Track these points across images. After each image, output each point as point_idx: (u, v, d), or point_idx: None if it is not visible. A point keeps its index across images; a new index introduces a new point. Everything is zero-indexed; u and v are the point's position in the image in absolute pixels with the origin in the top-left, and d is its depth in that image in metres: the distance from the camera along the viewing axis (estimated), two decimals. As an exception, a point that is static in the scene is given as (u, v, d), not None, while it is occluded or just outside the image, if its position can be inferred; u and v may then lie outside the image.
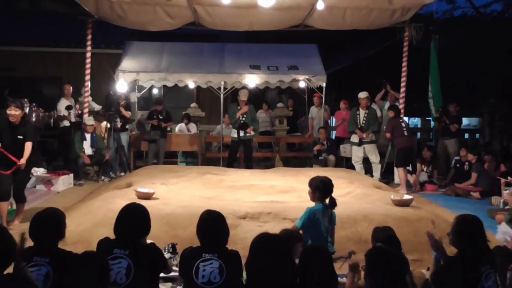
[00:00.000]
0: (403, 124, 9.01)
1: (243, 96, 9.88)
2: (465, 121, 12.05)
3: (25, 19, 14.65)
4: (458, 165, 9.42)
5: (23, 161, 5.82)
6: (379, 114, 10.00)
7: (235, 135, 9.77)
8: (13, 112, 5.74)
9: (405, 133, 8.90)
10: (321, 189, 4.25)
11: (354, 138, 9.54)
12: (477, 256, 3.32)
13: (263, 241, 2.66)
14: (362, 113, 9.51)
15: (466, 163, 9.21)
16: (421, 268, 4.53)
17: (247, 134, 9.73)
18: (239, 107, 9.80)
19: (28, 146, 5.90)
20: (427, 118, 14.67)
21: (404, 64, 9.94)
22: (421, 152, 9.92)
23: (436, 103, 10.54)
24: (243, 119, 9.71)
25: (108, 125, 10.03)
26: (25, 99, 10.70)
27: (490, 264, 3.32)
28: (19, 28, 14.23)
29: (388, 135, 9.15)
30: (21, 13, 15.30)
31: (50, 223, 3.28)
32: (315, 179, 4.34)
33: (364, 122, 9.44)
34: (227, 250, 3.34)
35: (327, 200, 4.24)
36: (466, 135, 14.65)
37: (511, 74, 15.81)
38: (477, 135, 14.93)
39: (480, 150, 10.10)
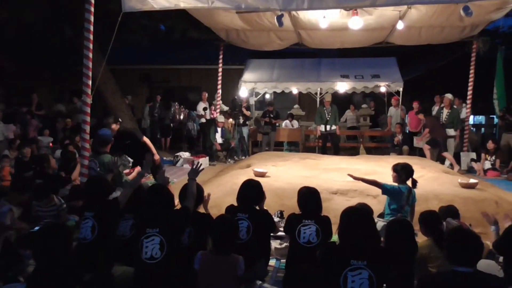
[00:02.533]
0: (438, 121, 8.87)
1: (327, 97, 9.82)
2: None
3: (177, 45, 15.51)
4: (519, 156, 8.46)
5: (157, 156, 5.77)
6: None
7: (322, 129, 9.62)
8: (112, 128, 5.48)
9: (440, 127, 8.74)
10: (404, 172, 4.02)
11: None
12: None
13: (352, 212, 2.57)
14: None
15: (527, 154, 8.25)
16: (485, 240, 4.12)
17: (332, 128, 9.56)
18: (324, 108, 9.60)
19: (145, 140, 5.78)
20: (490, 116, 13.39)
21: (472, 71, 9.09)
22: (486, 144, 9.04)
23: (500, 103, 9.58)
24: (329, 116, 9.50)
25: (234, 121, 10.34)
26: (176, 103, 11.41)
27: None
28: (172, 52, 15.11)
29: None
30: (174, 41, 16.24)
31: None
32: (399, 165, 4.11)
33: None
34: (322, 216, 3.29)
35: (408, 182, 3.99)
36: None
37: None
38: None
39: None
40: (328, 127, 9.54)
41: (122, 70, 13.66)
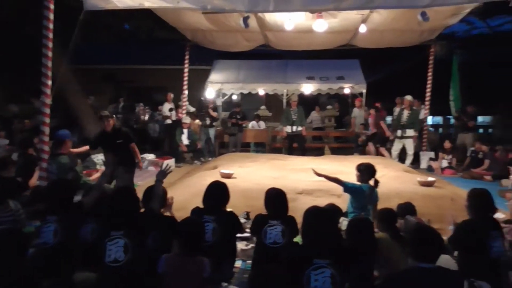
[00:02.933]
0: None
1: (293, 98, 9.92)
2: (480, 118, 11.36)
3: (142, 45, 15.25)
4: (473, 154, 8.89)
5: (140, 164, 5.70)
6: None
7: (289, 130, 9.71)
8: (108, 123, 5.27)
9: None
10: (367, 172, 4.11)
11: (398, 133, 9.16)
12: (486, 222, 3.14)
13: (314, 212, 2.61)
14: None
15: (480, 153, 8.69)
16: (442, 236, 4.30)
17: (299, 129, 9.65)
18: (290, 109, 9.71)
19: (134, 147, 5.58)
20: (447, 116, 13.99)
21: (430, 74, 9.46)
22: (443, 143, 9.45)
23: (455, 105, 10.04)
24: (295, 117, 9.60)
25: (200, 123, 10.26)
26: (141, 103, 11.20)
27: (498, 229, 3.14)
28: (138, 51, 14.83)
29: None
30: (140, 41, 15.97)
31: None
32: (362, 165, 4.20)
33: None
34: (287, 217, 3.31)
35: (370, 182, 4.10)
36: (480, 130, 13.87)
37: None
38: (489, 130, 14.03)
39: (492, 142, 9.47)
40: (294, 128, 9.59)
41: (85, 70, 13.26)
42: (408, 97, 9.18)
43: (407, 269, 2.63)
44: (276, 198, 3.35)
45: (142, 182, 6.85)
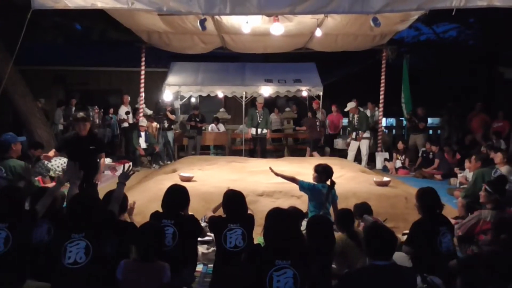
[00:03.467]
0: (317, 123, 10.23)
1: (259, 100, 9.93)
2: (429, 120, 11.92)
3: (95, 47, 14.78)
4: (424, 155, 9.31)
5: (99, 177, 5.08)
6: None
7: (254, 133, 9.73)
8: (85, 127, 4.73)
9: (318, 128, 10.14)
10: (324, 173, 4.21)
11: (353, 135, 9.55)
12: (435, 219, 3.32)
13: (276, 213, 2.62)
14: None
15: (430, 153, 9.12)
16: (397, 233, 4.47)
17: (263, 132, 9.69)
18: (256, 111, 9.75)
19: (103, 158, 5.11)
20: (400, 118, 14.55)
21: (383, 77, 9.84)
22: (396, 144, 9.86)
23: (407, 107, 10.47)
24: (260, 119, 9.66)
25: (158, 125, 10.08)
26: (96, 106, 10.83)
27: (446, 225, 3.32)
28: (91, 53, 14.36)
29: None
30: (92, 42, 15.46)
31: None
32: (320, 166, 4.29)
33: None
34: (246, 217, 3.31)
35: (327, 182, 4.20)
36: (430, 131, 14.55)
37: (464, 83, 15.68)
38: (439, 131, 14.77)
39: (441, 143, 9.98)
40: (259, 130, 9.63)
41: (34, 71, 12.67)
42: (351, 104, 9.61)
43: (363, 267, 2.73)
44: (234, 200, 3.34)
45: (99, 186, 6.61)
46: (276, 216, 2.58)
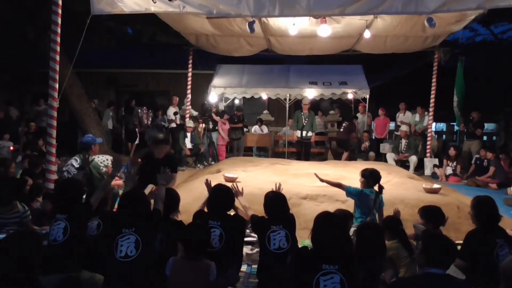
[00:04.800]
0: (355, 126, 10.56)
1: (305, 101, 9.82)
2: (484, 126, 11.32)
3: (145, 50, 15.32)
4: (478, 162, 8.89)
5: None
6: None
7: (299, 135, 9.66)
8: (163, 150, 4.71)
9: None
10: (372, 178, 4.12)
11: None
12: (492, 230, 3.14)
13: (325, 217, 2.59)
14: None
15: (485, 160, 8.67)
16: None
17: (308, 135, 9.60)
18: (302, 113, 9.67)
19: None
20: (451, 123, 13.95)
21: (434, 80, 9.46)
22: (447, 150, 9.45)
23: (460, 109, 9.93)
24: (305, 122, 9.57)
25: (204, 126, 10.29)
26: (144, 107, 11.23)
27: (505, 237, 3.13)
28: (141, 56, 14.90)
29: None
30: (143, 45, 16.05)
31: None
32: (367, 170, 4.20)
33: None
34: (288, 218, 3.30)
35: (375, 187, 4.10)
36: (485, 138, 13.85)
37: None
38: (494, 138, 14.02)
39: (497, 150, 9.45)
40: (304, 133, 9.53)
41: (88, 74, 13.35)
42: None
43: (416, 275, 2.63)
44: (276, 202, 3.34)
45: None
46: (325, 220, 2.56)
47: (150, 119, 11.19)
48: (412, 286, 2.35)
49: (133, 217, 2.84)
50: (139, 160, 4.75)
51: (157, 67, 14.63)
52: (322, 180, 4.38)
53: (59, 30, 4.86)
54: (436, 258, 2.35)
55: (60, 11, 4.84)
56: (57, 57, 4.88)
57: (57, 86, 4.92)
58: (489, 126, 14.30)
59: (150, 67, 14.63)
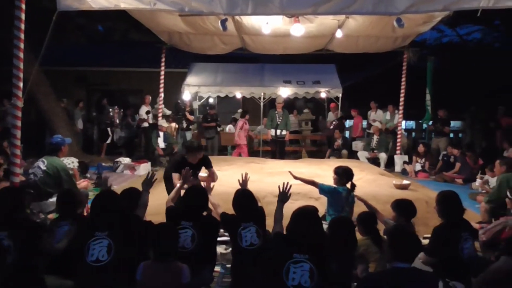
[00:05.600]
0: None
1: (279, 100, 9.85)
2: (451, 123, 11.68)
3: (117, 47, 15.02)
4: (445, 158, 9.14)
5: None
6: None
7: (273, 134, 9.68)
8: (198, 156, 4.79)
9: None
10: (345, 175, 4.17)
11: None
12: (457, 224, 3.23)
13: (301, 210, 2.68)
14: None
15: (452, 157, 8.94)
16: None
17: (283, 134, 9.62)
18: (276, 111, 9.70)
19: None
20: (420, 121, 14.30)
21: (403, 79, 9.68)
22: (416, 147, 9.71)
23: (431, 110, 10.19)
24: (279, 120, 9.60)
25: (177, 126, 10.17)
26: (116, 106, 11.01)
27: (469, 231, 3.23)
28: (112, 54, 14.60)
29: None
30: (114, 43, 15.73)
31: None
32: (340, 168, 4.25)
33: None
34: (257, 214, 3.33)
35: (348, 185, 4.15)
36: (451, 135, 14.31)
37: (487, 87, 15.33)
38: (460, 135, 14.49)
39: (463, 146, 9.77)
40: (278, 131, 9.55)
41: (57, 72, 12.96)
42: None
43: (384, 270, 2.69)
44: (244, 199, 3.36)
45: (117, 186, 6.72)
46: (301, 212, 2.66)
47: (119, 118, 10.96)
48: (380, 280, 2.39)
49: (106, 221, 2.78)
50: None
51: (129, 65, 14.36)
52: (296, 178, 4.41)
53: (22, 27, 4.68)
54: (400, 253, 2.40)
55: (23, 6, 4.65)
56: (21, 55, 4.70)
57: (21, 84, 4.74)
58: (455, 124, 14.77)
59: (122, 65, 14.35)
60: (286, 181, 3.48)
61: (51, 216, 4.57)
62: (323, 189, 4.18)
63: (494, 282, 2.69)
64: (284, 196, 3.38)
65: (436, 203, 3.37)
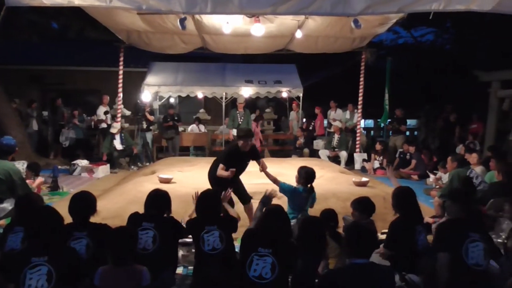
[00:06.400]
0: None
1: (240, 100, 9.87)
2: (407, 122, 12.12)
3: (72, 46, 14.48)
4: (401, 155, 9.47)
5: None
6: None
7: (235, 134, 9.63)
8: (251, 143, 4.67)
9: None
10: (306, 177, 4.21)
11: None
12: (412, 218, 3.37)
13: (272, 209, 2.92)
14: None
15: (408, 154, 9.27)
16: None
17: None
18: (237, 111, 9.70)
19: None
20: (378, 119, 14.74)
21: (361, 79, 9.94)
22: (374, 145, 10.00)
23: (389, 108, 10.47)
24: (241, 120, 9.61)
25: (137, 126, 9.94)
26: (69, 106, 10.60)
27: (422, 224, 3.40)
28: (68, 52, 14.05)
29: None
30: (69, 41, 15.15)
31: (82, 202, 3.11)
32: (304, 168, 4.28)
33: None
34: (222, 219, 3.30)
35: (309, 185, 4.20)
36: (407, 133, 14.85)
37: (440, 86, 16.06)
38: (416, 133, 15.06)
39: (418, 144, 10.17)
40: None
41: (8, 71, 12.34)
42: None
43: (342, 266, 2.76)
44: (208, 202, 3.29)
45: (74, 189, 6.48)
46: (269, 210, 2.89)
47: (67, 119, 10.53)
48: (339, 277, 2.45)
49: (45, 245, 2.48)
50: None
51: (86, 64, 13.85)
52: (262, 171, 4.51)
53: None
54: (357, 249, 2.47)
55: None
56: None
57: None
58: (411, 122, 15.36)
59: (78, 64, 13.83)
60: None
61: (2, 222, 4.34)
62: (284, 188, 4.22)
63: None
64: (266, 199, 3.62)
65: (392, 198, 3.50)
